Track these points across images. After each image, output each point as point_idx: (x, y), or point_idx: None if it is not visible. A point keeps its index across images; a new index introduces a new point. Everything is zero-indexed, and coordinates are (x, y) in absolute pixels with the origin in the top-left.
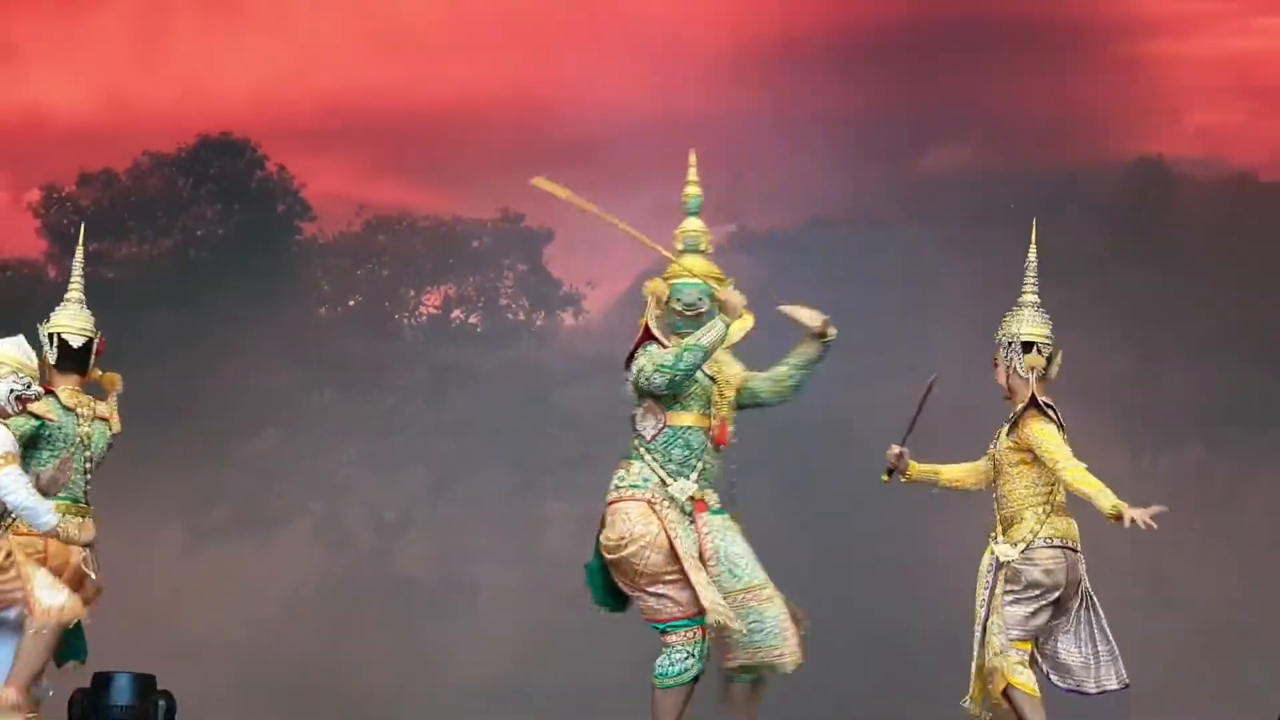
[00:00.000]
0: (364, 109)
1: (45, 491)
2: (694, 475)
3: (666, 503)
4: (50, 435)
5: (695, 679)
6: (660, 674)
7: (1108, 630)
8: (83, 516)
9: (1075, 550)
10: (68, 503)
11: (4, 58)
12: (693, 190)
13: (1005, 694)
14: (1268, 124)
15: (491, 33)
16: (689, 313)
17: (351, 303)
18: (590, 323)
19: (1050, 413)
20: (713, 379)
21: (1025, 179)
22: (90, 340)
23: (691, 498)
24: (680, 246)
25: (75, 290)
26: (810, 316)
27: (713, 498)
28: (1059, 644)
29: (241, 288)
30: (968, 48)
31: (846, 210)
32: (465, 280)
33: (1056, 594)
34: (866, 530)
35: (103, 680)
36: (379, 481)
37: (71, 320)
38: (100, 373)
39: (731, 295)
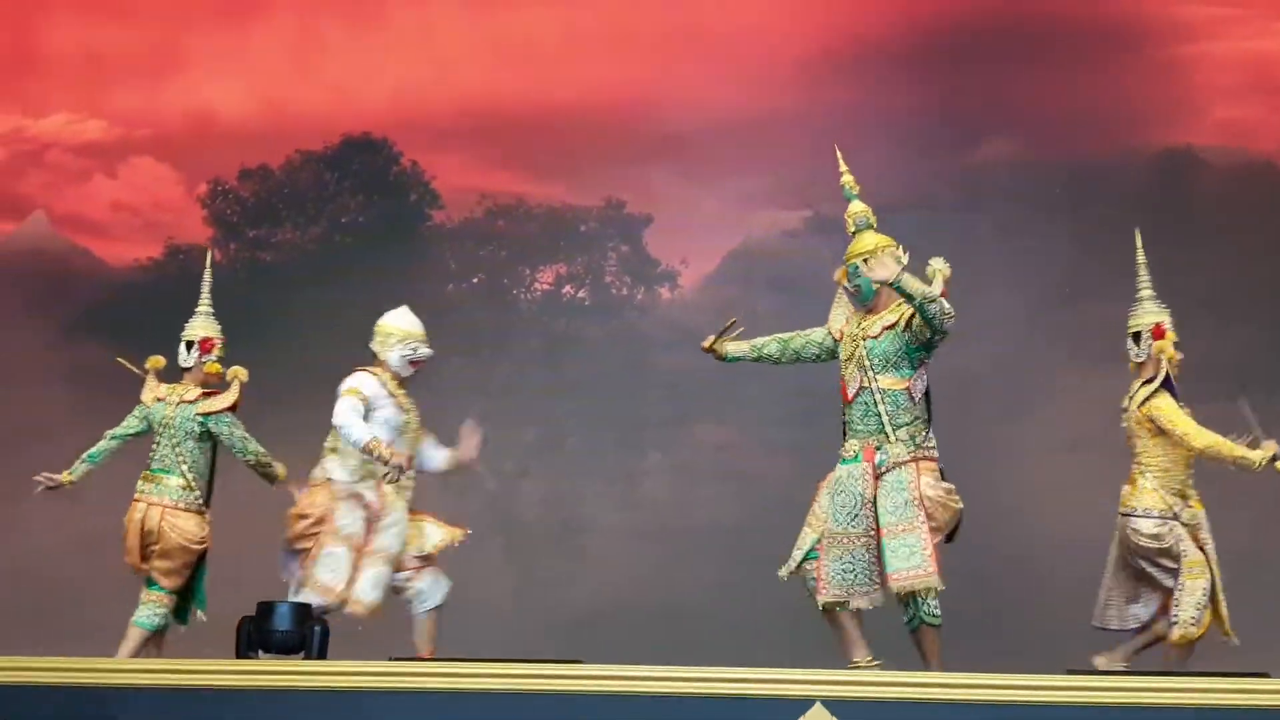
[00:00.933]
0: (487, 110)
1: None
2: None
3: None
4: None
5: None
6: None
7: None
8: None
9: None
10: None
11: (178, 67)
12: (847, 179)
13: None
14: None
15: (601, 43)
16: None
17: (475, 280)
18: (684, 296)
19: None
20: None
21: (1065, 168)
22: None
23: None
24: (852, 228)
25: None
26: None
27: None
28: None
29: (380, 268)
30: (1014, 50)
31: (906, 197)
32: (574, 260)
33: None
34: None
35: (265, 609)
36: (499, 436)
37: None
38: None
39: (875, 265)
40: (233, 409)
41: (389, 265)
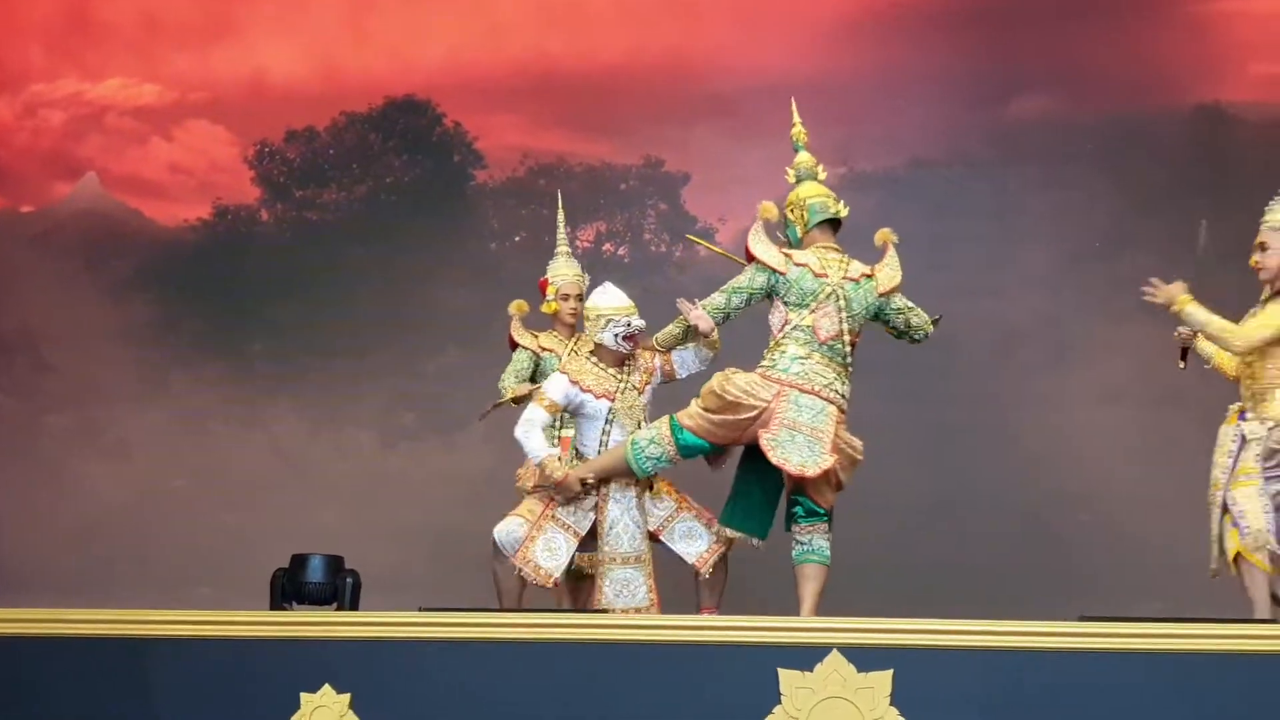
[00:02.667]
0: (533, 71)
1: None
2: None
3: None
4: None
5: None
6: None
7: None
8: None
9: None
10: None
11: (233, 31)
12: (798, 129)
13: (1237, 563)
14: None
15: (648, 5)
16: None
17: (517, 238)
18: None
19: None
20: None
21: (1100, 124)
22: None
23: None
24: (794, 177)
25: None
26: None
27: None
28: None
29: (424, 227)
30: (1050, 7)
31: (943, 152)
32: (614, 217)
33: None
34: (973, 427)
35: (299, 561)
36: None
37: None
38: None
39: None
40: (512, 346)
41: (433, 224)
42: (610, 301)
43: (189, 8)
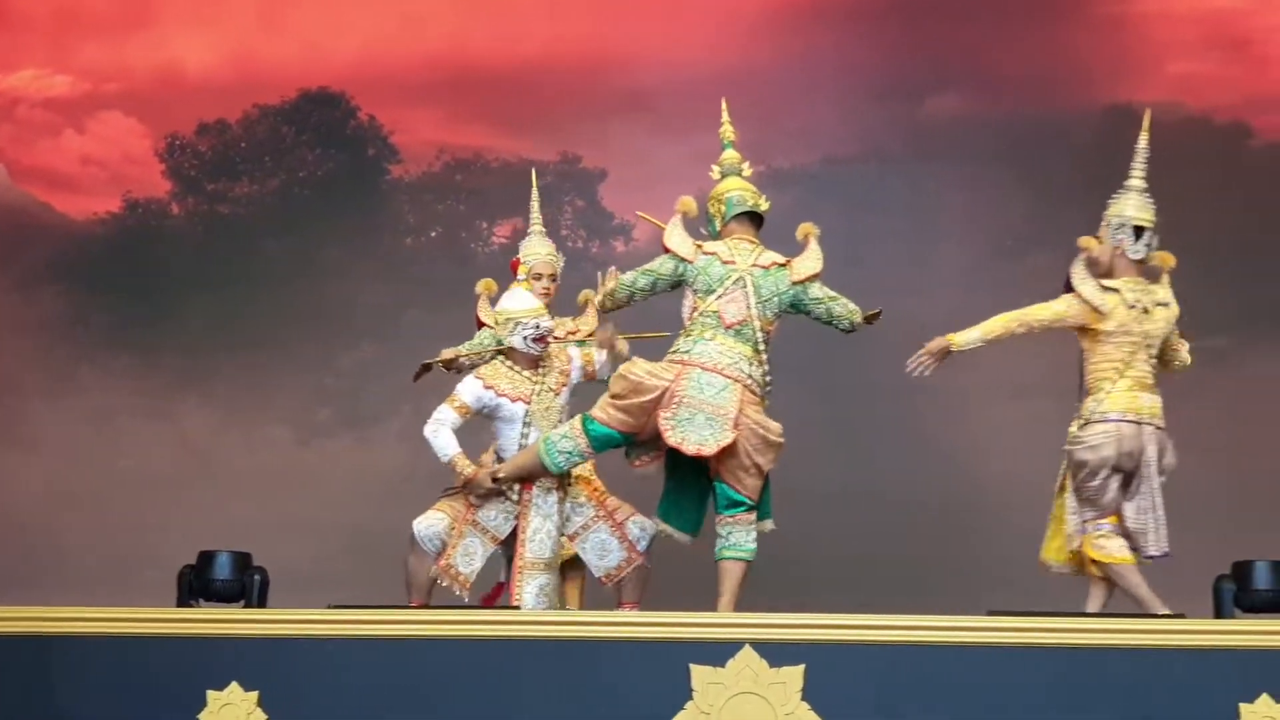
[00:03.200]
0: (446, 65)
1: None
2: None
3: None
4: None
5: None
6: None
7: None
8: None
9: (1137, 423)
10: None
11: (147, 21)
12: (726, 129)
13: (1100, 567)
14: (1235, 71)
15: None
16: None
17: (433, 234)
18: (638, 249)
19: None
20: None
21: (1014, 122)
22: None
23: None
24: (718, 174)
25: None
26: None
27: None
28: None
29: (339, 221)
30: (967, 6)
31: (858, 150)
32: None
33: (1107, 470)
34: (888, 421)
35: (206, 558)
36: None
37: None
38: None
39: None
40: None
41: (347, 218)
42: (518, 304)
43: None
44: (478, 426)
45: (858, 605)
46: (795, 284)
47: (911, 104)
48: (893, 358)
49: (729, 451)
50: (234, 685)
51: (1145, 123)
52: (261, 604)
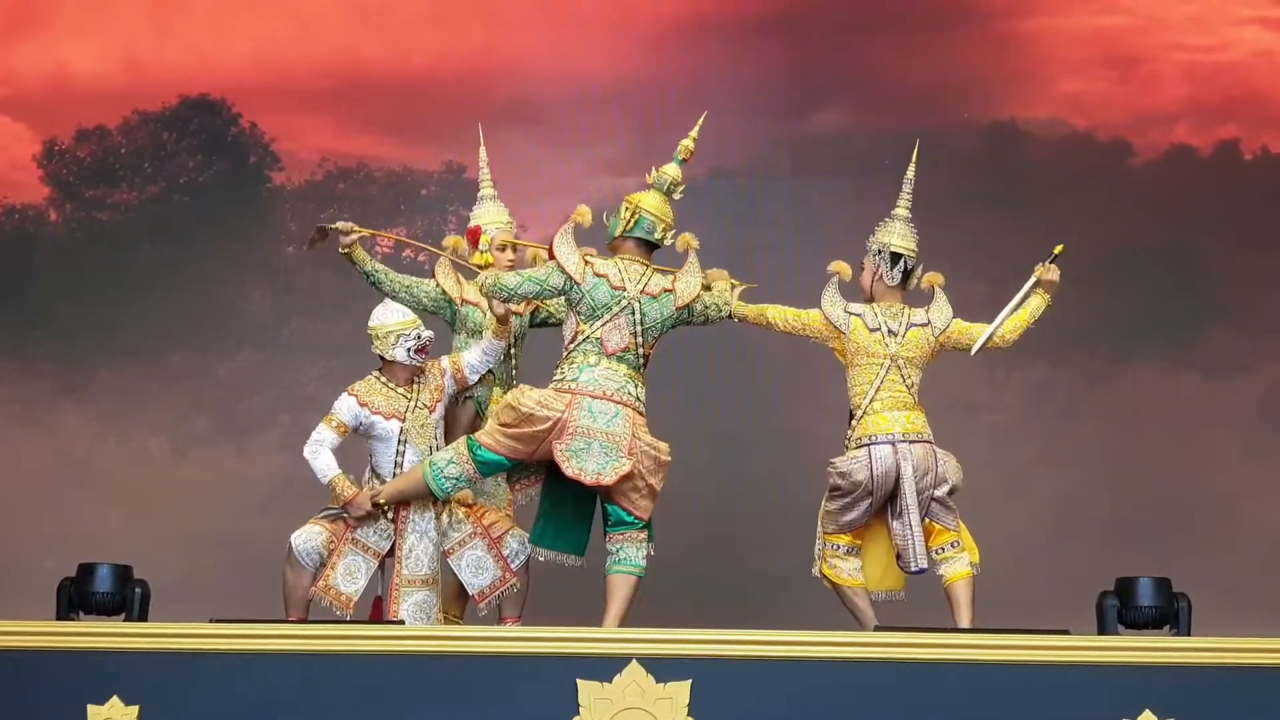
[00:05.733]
0: (335, 74)
1: None
2: None
3: None
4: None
5: None
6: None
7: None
8: None
9: (890, 444)
10: None
11: (32, 24)
12: (687, 143)
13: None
14: (1123, 90)
15: (453, 8)
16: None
17: None
18: (521, 260)
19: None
20: None
21: (898, 137)
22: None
23: None
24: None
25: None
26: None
27: None
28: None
29: (219, 228)
30: (854, 22)
31: (744, 163)
32: (415, 223)
33: (858, 492)
34: (756, 431)
35: (86, 570)
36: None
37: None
38: None
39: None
40: None
41: (227, 226)
42: (396, 317)
43: None
44: (357, 444)
45: (740, 621)
46: (679, 309)
47: (795, 119)
48: (769, 372)
49: (624, 476)
50: (115, 699)
51: (914, 155)
52: (143, 617)
